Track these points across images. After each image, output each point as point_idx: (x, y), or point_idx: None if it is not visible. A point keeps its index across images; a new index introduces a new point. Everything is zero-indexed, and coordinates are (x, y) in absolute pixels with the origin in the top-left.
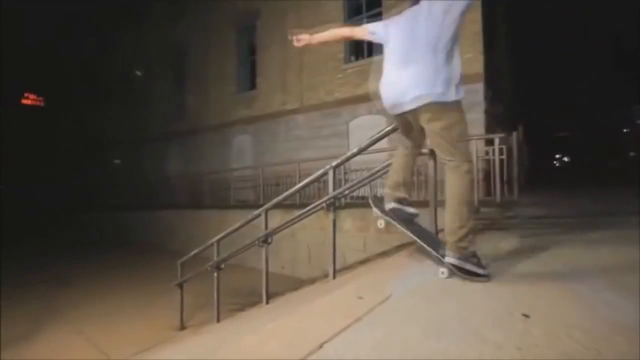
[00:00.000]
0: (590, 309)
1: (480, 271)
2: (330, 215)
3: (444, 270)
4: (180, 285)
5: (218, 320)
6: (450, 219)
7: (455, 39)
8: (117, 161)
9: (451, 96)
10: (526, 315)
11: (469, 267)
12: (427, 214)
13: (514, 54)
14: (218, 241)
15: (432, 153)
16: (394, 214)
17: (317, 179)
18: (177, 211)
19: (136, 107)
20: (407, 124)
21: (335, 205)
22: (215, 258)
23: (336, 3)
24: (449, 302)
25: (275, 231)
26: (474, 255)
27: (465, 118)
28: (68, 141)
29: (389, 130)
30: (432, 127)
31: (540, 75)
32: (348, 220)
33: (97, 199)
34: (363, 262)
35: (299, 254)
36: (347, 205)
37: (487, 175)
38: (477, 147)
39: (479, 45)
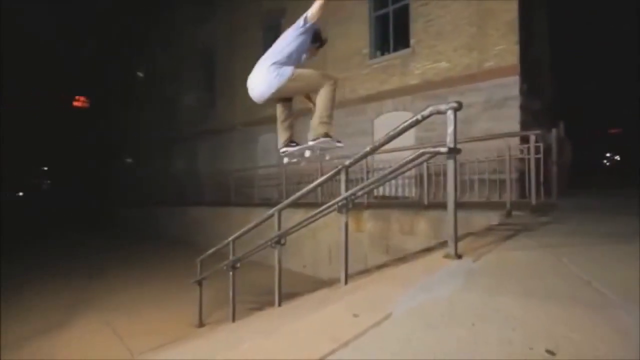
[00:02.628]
0: (635, 346)
1: (330, 145)
2: (343, 218)
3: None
4: (199, 283)
5: (233, 320)
6: (322, 111)
7: (296, 45)
8: (148, 160)
9: (290, 71)
10: (551, 352)
11: (322, 141)
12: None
13: (557, 43)
14: (234, 240)
15: (450, 152)
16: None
17: (329, 180)
18: (204, 208)
19: (167, 107)
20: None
21: (348, 207)
22: (230, 257)
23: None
24: (457, 328)
25: (288, 232)
26: (327, 135)
27: (303, 69)
28: (103, 142)
29: (405, 127)
30: (299, 90)
31: (588, 66)
32: (370, 221)
33: (129, 195)
34: (380, 267)
35: (321, 254)
36: (370, 206)
37: (522, 176)
38: (509, 145)
39: (514, 36)
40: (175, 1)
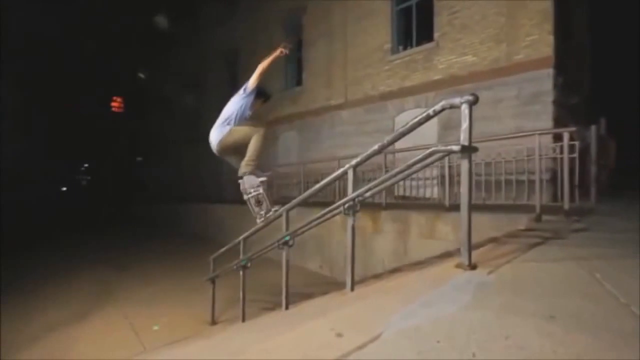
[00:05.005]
0: None
1: (252, 181)
2: (350, 220)
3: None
4: (212, 281)
5: (243, 320)
6: (248, 155)
7: (239, 106)
8: (172, 159)
9: (229, 128)
10: None
11: (242, 181)
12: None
13: (598, 33)
14: (244, 239)
15: (463, 150)
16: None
17: (336, 180)
18: (224, 205)
19: (191, 107)
20: (226, 150)
21: (355, 209)
22: (241, 256)
23: None
24: (454, 357)
25: (296, 233)
26: (253, 172)
27: (238, 126)
28: (131, 142)
29: (415, 123)
30: (237, 140)
31: (635, 59)
32: (388, 223)
33: (153, 193)
34: (394, 271)
35: (338, 254)
36: (389, 206)
37: (554, 177)
38: (539, 143)
39: (548, 25)
40: (199, 2)
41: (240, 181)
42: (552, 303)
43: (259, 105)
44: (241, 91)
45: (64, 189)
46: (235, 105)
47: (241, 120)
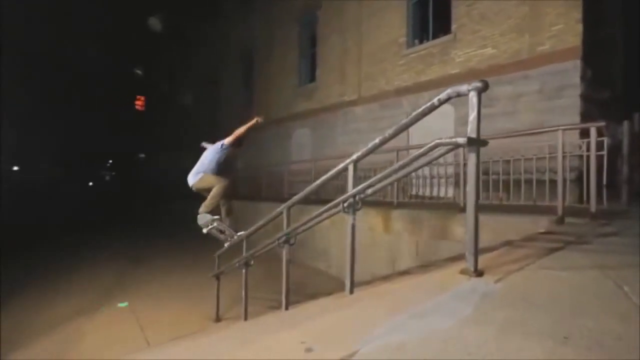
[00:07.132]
0: None
1: (204, 218)
2: (350, 219)
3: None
4: (217, 277)
5: (245, 318)
6: (208, 200)
7: (213, 158)
8: (188, 157)
9: (201, 175)
10: None
11: (202, 215)
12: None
13: (633, 23)
14: (246, 237)
15: (470, 143)
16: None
17: (337, 175)
18: (237, 202)
19: (208, 105)
20: (199, 190)
21: (355, 207)
22: (243, 254)
23: None
24: None
25: (296, 231)
26: (211, 212)
27: (208, 175)
28: (148, 140)
29: (419, 114)
30: (206, 185)
31: None
32: (399, 222)
33: (169, 190)
34: (401, 274)
35: (346, 254)
36: (400, 205)
37: (580, 177)
38: (562, 140)
39: (576, 12)
40: (214, 1)
41: (198, 216)
42: (567, 320)
43: (235, 148)
44: (218, 146)
45: (91, 183)
46: (212, 156)
47: (218, 166)
